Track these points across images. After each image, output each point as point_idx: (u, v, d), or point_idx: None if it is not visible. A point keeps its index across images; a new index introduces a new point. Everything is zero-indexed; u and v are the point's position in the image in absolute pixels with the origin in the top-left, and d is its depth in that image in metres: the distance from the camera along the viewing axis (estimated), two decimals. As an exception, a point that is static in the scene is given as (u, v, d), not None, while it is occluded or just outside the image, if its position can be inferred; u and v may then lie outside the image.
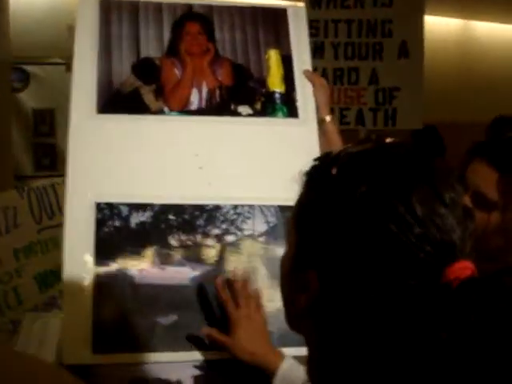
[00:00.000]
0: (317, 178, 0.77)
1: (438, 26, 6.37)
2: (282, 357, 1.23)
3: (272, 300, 1.32)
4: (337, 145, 1.52)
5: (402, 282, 0.67)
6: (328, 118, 1.52)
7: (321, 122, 1.52)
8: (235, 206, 1.38)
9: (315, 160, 0.81)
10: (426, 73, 4.08)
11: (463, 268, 0.66)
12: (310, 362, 0.80)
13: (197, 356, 1.29)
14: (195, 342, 1.30)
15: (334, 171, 0.74)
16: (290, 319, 0.82)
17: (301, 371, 1.18)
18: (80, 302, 1.27)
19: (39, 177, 3.70)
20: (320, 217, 0.72)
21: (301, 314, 0.76)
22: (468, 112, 6.04)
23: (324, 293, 0.72)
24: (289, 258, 0.79)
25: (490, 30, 6.92)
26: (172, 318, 1.30)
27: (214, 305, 1.32)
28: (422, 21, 3.98)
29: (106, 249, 1.31)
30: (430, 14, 5.65)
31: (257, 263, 1.36)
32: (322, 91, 1.51)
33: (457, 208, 0.70)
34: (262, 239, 1.38)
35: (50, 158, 4.06)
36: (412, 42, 3.92)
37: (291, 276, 0.78)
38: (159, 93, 1.44)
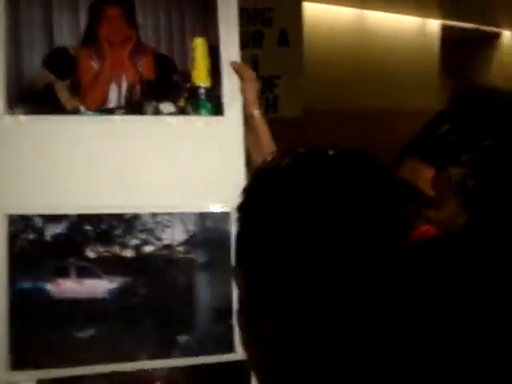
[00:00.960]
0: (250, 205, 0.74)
1: (331, 14, 6.42)
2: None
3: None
4: (265, 139, 1.47)
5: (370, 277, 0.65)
6: (256, 114, 1.46)
7: (249, 118, 1.46)
8: (154, 215, 1.35)
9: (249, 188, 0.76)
10: (318, 61, 4.17)
11: (427, 230, 0.70)
12: None
13: (114, 368, 1.31)
14: (113, 355, 1.31)
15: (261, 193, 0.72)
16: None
17: None
18: (-6, 320, 1.25)
19: None
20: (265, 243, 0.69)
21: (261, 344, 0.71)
22: (360, 100, 6.09)
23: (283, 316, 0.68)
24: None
25: (382, 20, 7.15)
26: (90, 331, 1.30)
27: (132, 317, 1.32)
28: (301, 9, 4.10)
29: (20, 263, 1.27)
30: (323, 2, 5.62)
31: (176, 273, 1.36)
32: (250, 85, 1.43)
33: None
34: (181, 248, 1.36)
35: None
36: (291, 30, 4.00)
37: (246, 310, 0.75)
38: (75, 89, 1.34)
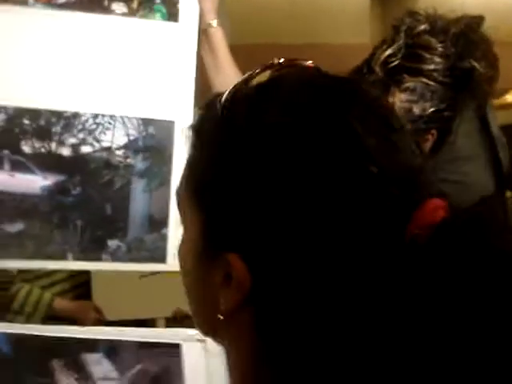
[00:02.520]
0: (215, 128, 0.59)
1: None
2: None
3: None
4: (222, 52, 1.42)
5: (361, 246, 0.52)
6: (214, 24, 1.40)
7: (206, 28, 1.40)
8: (95, 115, 1.32)
9: (207, 106, 0.61)
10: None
11: (435, 209, 0.52)
12: (238, 372, 0.60)
13: (41, 265, 1.30)
14: (40, 252, 1.29)
15: (238, 110, 0.57)
16: (207, 325, 0.63)
17: None
18: None
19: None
20: (232, 178, 0.55)
21: (226, 314, 0.57)
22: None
23: (259, 279, 0.54)
24: (192, 246, 0.60)
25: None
26: (18, 226, 1.29)
27: (63, 216, 1.30)
28: None
29: (-49, 151, 1.26)
30: None
31: (113, 177, 1.33)
32: (209, -8, 1.38)
33: (407, 133, 0.57)
34: (120, 152, 1.33)
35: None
36: None
37: (202, 269, 0.59)
38: (24, -21, 1.31)
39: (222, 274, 0.56)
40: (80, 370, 1.26)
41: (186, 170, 0.62)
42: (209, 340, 0.87)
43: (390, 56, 1.22)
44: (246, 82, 0.60)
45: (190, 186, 0.61)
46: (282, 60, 0.62)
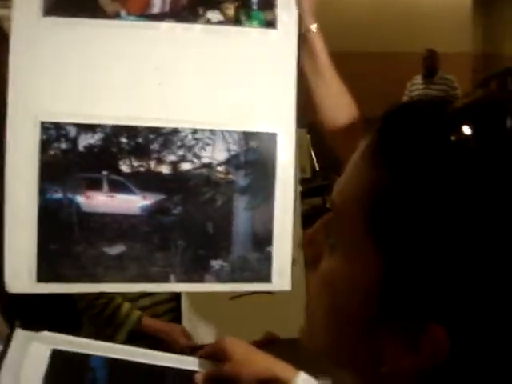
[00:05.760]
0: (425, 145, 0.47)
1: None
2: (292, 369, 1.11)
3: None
4: (323, 59, 1.34)
5: None
6: (313, 28, 1.32)
7: (304, 33, 1.33)
8: (194, 131, 1.26)
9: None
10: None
11: None
12: None
13: (143, 288, 1.25)
14: (142, 275, 1.25)
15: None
16: (345, 359, 0.56)
17: None
18: (23, 230, 1.21)
19: None
20: (448, 219, 0.45)
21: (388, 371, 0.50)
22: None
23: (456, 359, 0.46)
24: (357, 288, 0.51)
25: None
26: (119, 248, 1.24)
27: (164, 236, 1.25)
28: None
29: (51, 174, 1.22)
30: None
31: (214, 195, 1.27)
32: (308, -6, 1.30)
33: None
34: (221, 169, 1.27)
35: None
36: None
37: (367, 321, 0.51)
38: (116, -9, 1.26)
39: (404, 339, 0.48)
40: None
41: (361, 187, 0.51)
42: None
43: None
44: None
45: (369, 209, 0.49)
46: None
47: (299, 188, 2.06)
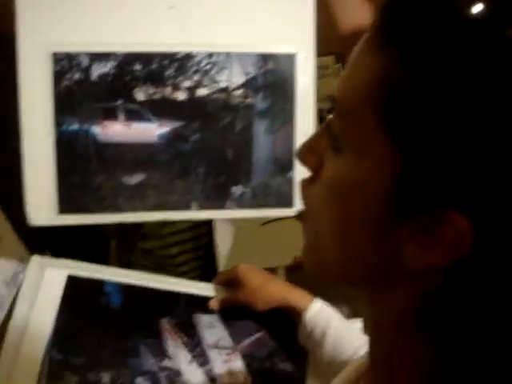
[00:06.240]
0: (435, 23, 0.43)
1: None
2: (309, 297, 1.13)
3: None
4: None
5: None
6: None
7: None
8: (210, 55, 1.22)
9: None
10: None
11: None
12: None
13: (164, 216, 1.24)
14: (162, 203, 1.23)
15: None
16: (358, 274, 0.53)
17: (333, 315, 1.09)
18: (42, 162, 1.20)
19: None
20: (463, 101, 0.41)
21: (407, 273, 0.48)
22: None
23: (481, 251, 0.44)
24: (369, 186, 0.48)
25: None
26: (137, 177, 1.23)
27: (183, 164, 1.23)
28: None
29: (65, 105, 1.20)
30: None
31: (233, 119, 1.23)
32: None
33: None
34: (238, 92, 1.23)
35: None
36: None
37: (381, 219, 0.48)
38: None
39: (423, 236, 0.45)
40: (190, 332, 1.19)
41: (373, 78, 0.46)
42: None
43: None
44: None
45: (382, 103, 0.45)
46: None
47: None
